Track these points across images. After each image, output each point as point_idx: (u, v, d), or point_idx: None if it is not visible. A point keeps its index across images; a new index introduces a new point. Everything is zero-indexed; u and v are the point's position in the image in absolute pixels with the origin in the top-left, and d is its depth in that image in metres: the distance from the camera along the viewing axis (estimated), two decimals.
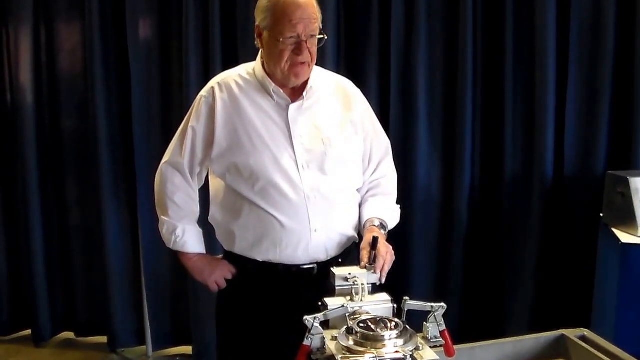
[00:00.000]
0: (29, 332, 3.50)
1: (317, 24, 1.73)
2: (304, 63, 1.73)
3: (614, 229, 2.41)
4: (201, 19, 2.98)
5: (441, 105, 2.89)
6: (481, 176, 2.90)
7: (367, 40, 2.90)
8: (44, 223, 3.35)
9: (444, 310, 1.37)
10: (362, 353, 1.27)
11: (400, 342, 1.30)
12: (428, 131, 2.90)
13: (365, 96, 1.96)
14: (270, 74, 1.78)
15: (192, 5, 2.97)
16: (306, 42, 1.70)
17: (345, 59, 2.92)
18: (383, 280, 1.61)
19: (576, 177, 2.74)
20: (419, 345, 1.31)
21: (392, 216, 1.90)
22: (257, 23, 1.76)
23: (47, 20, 3.24)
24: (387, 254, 1.67)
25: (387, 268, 1.64)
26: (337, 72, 2.02)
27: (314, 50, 1.74)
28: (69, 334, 3.55)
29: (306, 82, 1.79)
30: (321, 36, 1.75)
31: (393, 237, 2.87)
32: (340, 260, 1.81)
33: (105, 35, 3.12)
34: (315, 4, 1.75)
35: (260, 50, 1.81)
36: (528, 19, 2.73)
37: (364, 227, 1.83)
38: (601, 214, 2.55)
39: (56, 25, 3.26)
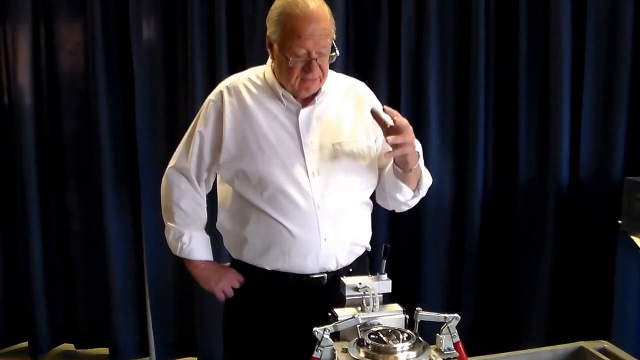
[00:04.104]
0: (25, 344, 3.44)
1: (329, 40, 1.68)
2: (314, 79, 1.70)
3: (633, 237, 2.39)
4: (207, 19, 2.96)
5: (453, 108, 2.86)
6: (494, 181, 2.87)
7: (377, 41, 2.87)
8: (43, 229, 3.31)
9: (457, 321, 1.35)
10: None
11: (413, 354, 1.28)
12: (439, 135, 2.87)
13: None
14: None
15: (198, 4, 2.94)
16: (316, 60, 1.66)
17: (355, 60, 2.90)
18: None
19: (593, 182, 2.70)
20: (432, 357, 1.29)
21: (425, 170, 1.83)
22: (267, 33, 1.73)
23: (47, 19, 3.20)
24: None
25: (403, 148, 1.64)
26: (346, 73, 1.99)
27: (326, 65, 1.70)
28: (68, 346, 3.49)
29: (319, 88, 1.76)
30: (332, 54, 1.69)
31: (404, 244, 2.87)
32: (351, 269, 1.78)
33: (108, 35, 3.08)
34: (329, 17, 1.70)
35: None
36: (542, 18, 2.70)
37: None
38: (619, 221, 2.51)
39: (56, 24, 3.21)
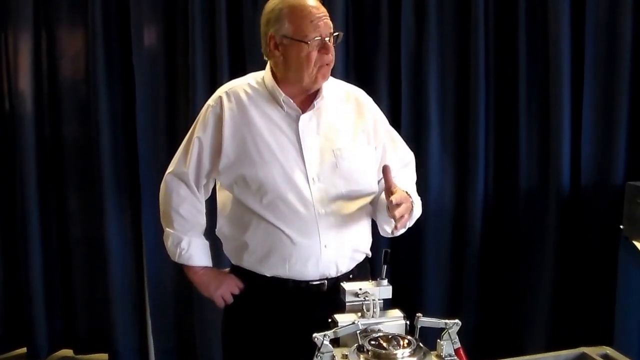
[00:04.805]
0: (24, 350, 3.41)
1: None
2: (329, 62, 1.72)
3: (635, 242, 2.38)
4: (207, 25, 2.95)
5: (453, 113, 2.85)
6: (495, 186, 2.85)
7: (377, 47, 2.86)
8: (42, 234, 3.29)
9: (458, 327, 1.34)
10: None
11: None
12: (440, 140, 2.86)
13: (375, 104, 1.92)
14: (283, 83, 1.75)
15: (199, 11, 2.93)
16: (329, 41, 1.70)
17: (355, 66, 2.89)
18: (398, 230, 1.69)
19: (594, 187, 2.69)
20: None
21: (416, 197, 1.81)
22: (270, 34, 1.72)
23: (48, 26, 3.20)
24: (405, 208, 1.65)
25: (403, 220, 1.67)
26: (346, 79, 1.99)
27: (333, 49, 1.73)
28: (67, 352, 3.46)
29: (317, 92, 1.76)
30: (336, 33, 1.73)
31: (404, 249, 2.86)
32: (351, 276, 1.77)
33: (109, 41, 3.08)
34: None
35: (269, 60, 1.77)
36: (542, 23, 2.69)
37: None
38: (621, 226, 2.50)
39: (58, 31, 3.21)
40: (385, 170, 1.67)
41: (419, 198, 1.84)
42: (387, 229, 1.83)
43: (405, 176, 1.88)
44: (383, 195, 1.75)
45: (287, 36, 1.69)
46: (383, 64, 2.86)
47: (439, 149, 2.86)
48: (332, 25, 1.72)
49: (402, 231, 1.80)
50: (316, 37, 1.67)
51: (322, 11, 1.70)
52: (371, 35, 2.87)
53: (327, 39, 1.69)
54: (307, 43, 1.67)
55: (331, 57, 1.71)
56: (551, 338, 2.72)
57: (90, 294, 3.35)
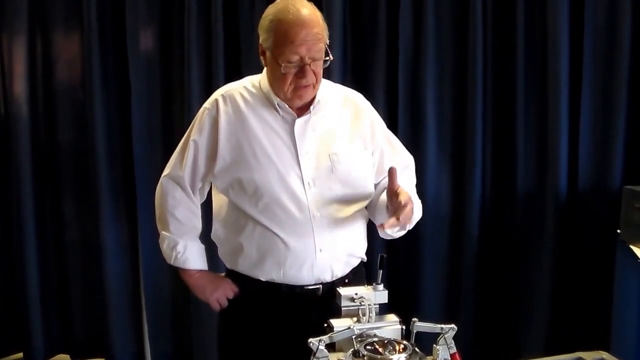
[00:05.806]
0: (20, 355, 3.40)
1: (322, 44, 1.67)
2: (307, 86, 1.68)
3: (632, 247, 2.37)
4: (203, 29, 2.95)
5: (450, 117, 2.84)
6: (492, 190, 2.84)
7: (375, 51, 2.85)
8: (38, 239, 3.28)
9: (454, 332, 1.34)
10: None
11: None
12: (437, 144, 2.85)
13: (374, 108, 1.91)
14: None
15: (195, 15, 2.93)
16: (309, 65, 1.64)
17: (352, 69, 2.89)
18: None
19: (591, 191, 2.68)
20: None
21: (416, 200, 1.79)
22: (260, 41, 1.71)
23: (44, 29, 3.19)
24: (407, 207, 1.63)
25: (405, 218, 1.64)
26: (344, 83, 1.98)
27: (319, 71, 1.68)
28: (64, 357, 3.44)
29: (313, 97, 1.75)
30: (326, 58, 1.68)
31: (401, 254, 2.85)
32: (346, 280, 1.76)
33: (105, 45, 3.07)
34: (321, 22, 1.68)
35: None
36: (540, 27, 2.69)
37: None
38: (618, 230, 2.49)
39: (53, 35, 3.20)
40: (390, 172, 1.64)
41: (420, 201, 1.83)
42: (387, 230, 1.80)
43: (405, 179, 1.87)
44: (384, 196, 1.73)
45: (269, 49, 1.68)
46: (380, 65, 2.85)
47: (436, 152, 2.85)
48: (321, 48, 1.65)
49: (401, 233, 1.80)
50: (293, 60, 1.63)
51: (313, 34, 1.63)
52: (369, 37, 2.87)
53: (308, 62, 1.63)
54: (280, 65, 1.63)
55: (308, 81, 1.65)
56: (549, 341, 2.71)
57: (87, 299, 3.33)
